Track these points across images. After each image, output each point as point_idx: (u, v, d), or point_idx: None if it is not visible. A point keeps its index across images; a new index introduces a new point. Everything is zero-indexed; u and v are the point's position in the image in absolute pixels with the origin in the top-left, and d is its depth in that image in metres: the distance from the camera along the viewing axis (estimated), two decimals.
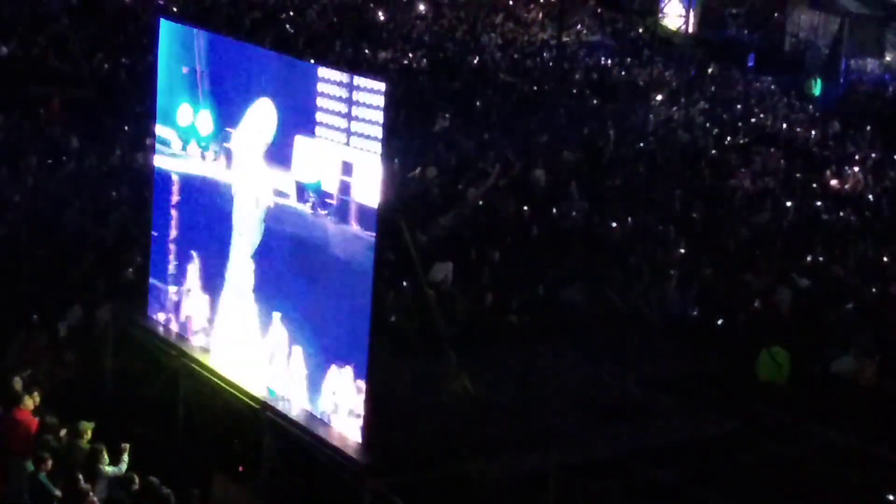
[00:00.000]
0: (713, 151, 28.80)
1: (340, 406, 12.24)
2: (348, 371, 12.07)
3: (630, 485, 13.32)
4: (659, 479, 13.43)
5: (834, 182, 27.45)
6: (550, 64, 35.06)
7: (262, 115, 13.06)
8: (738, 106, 34.60)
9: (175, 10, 32.61)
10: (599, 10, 45.12)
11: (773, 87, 37.84)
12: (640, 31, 43.08)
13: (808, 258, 21.18)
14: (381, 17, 38.91)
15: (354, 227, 11.85)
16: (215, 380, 13.67)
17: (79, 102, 24.75)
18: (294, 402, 12.80)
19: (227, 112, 13.61)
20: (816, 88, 37.73)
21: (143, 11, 31.62)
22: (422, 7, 42.00)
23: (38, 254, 17.49)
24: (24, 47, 28.12)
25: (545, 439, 13.06)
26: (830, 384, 16.28)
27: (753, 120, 33.10)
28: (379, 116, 11.56)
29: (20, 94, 24.56)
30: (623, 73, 37.02)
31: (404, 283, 17.15)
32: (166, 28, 14.70)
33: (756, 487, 13.44)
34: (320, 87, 12.21)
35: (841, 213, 24.69)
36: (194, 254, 14.31)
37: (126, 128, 23.11)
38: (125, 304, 15.64)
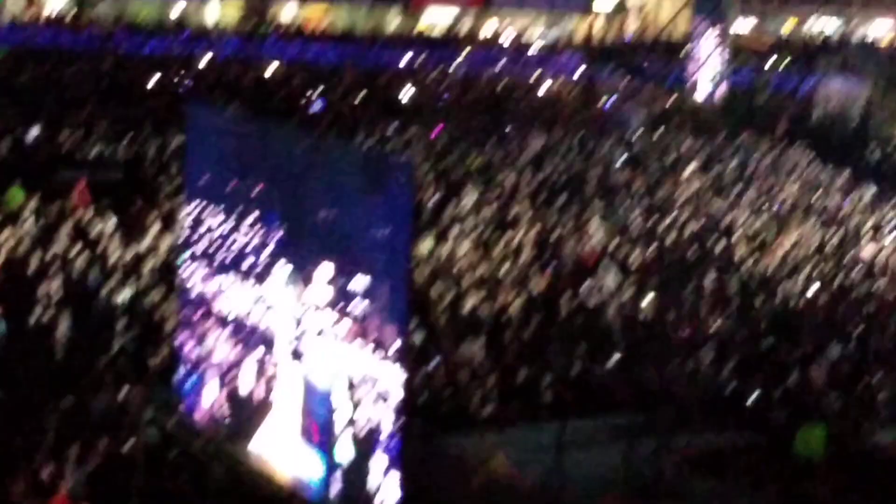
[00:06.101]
0: (745, 221, 28.66)
1: (375, 489, 12.10)
2: (383, 455, 11.94)
3: None
4: None
5: (869, 251, 27.22)
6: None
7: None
8: (769, 176, 34.50)
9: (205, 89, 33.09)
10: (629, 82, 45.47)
11: (804, 155, 37.74)
12: (668, 103, 43.28)
13: (845, 329, 20.92)
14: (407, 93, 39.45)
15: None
16: (247, 465, 13.57)
17: (106, 186, 24.90)
18: (327, 486, 12.67)
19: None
20: None
21: (172, 94, 32.12)
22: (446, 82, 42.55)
23: (69, 338, 17.49)
24: (51, 132, 28.49)
25: None
26: (870, 459, 16.00)
27: (784, 189, 32.96)
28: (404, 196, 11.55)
29: (48, 179, 24.76)
30: (651, 144, 37.11)
31: (435, 361, 17.08)
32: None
33: None
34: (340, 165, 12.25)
35: (877, 283, 24.46)
36: (224, 336, 14.25)
37: (155, 210, 23.24)
38: (155, 388, 15.59)
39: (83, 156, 27.70)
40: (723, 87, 44.20)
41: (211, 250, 14.33)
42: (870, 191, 33.54)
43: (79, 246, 20.65)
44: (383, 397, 11.82)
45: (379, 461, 11.98)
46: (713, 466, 15.64)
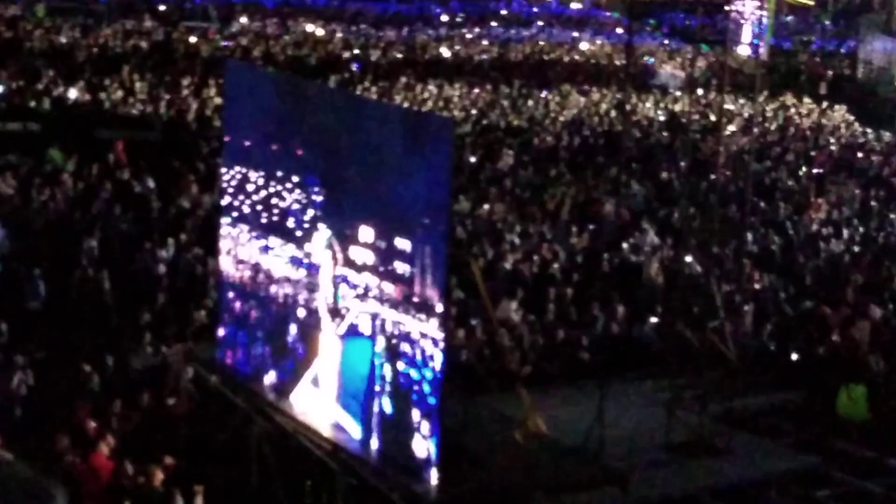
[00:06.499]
0: (788, 181, 28.43)
1: (413, 447, 12.13)
2: (422, 414, 11.96)
3: None
4: None
5: None
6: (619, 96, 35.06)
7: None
8: (811, 135, 34.20)
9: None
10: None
11: (846, 115, 37.40)
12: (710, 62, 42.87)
13: (887, 289, 20.76)
14: (447, 54, 39.31)
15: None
16: (287, 421, 13.61)
17: (146, 145, 24.94)
18: (366, 443, 12.71)
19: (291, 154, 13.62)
20: None
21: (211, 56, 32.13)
22: (485, 42, 42.33)
23: (111, 296, 17.59)
24: (91, 91, 28.54)
25: (619, 478, 12.88)
26: None
27: (827, 149, 32.68)
28: (444, 155, 11.50)
29: (88, 139, 24.83)
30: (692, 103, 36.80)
31: (474, 322, 17.05)
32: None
33: None
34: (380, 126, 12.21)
35: None
36: (265, 295, 14.28)
37: (194, 170, 23.27)
38: (197, 345, 15.67)
39: (123, 115, 27.80)
40: (765, 46, 43.74)
41: (252, 210, 14.31)
42: None
43: (119, 205, 20.72)
44: (422, 357, 11.83)
45: (418, 420, 12.00)
46: (755, 426, 15.57)
